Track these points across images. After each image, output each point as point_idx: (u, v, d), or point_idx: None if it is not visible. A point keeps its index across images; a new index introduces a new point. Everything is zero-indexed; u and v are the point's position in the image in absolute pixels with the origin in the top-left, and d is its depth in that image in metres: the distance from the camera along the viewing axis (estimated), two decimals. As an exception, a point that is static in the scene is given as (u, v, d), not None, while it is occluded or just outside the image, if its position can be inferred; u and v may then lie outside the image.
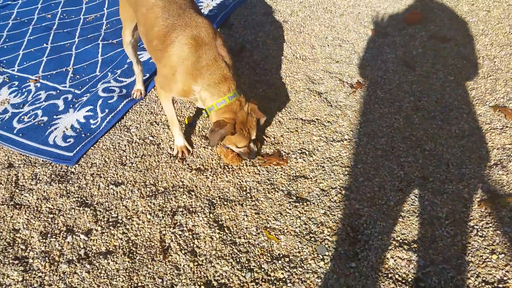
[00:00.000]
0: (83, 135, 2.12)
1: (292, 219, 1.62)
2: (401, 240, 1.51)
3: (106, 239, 1.61)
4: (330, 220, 1.60)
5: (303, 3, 3.02)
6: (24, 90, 2.49)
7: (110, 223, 1.67)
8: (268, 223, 1.62)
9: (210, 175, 1.84)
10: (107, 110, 2.23)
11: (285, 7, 2.99)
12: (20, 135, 2.17)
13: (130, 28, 2.07)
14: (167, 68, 1.69)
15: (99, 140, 2.08)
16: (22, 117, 2.29)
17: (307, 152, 1.88)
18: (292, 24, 2.81)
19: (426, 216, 1.57)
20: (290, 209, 1.65)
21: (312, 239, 1.54)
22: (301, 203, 1.67)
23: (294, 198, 1.70)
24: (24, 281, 1.49)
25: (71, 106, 2.31)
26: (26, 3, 3.44)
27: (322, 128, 1.99)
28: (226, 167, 1.87)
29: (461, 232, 1.51)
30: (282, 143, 1.95)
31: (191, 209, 1.69)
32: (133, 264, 1.52)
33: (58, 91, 2.44)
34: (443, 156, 1.78)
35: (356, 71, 2.35)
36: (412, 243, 1.49)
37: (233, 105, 1.65)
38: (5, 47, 2.91)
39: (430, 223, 1.55)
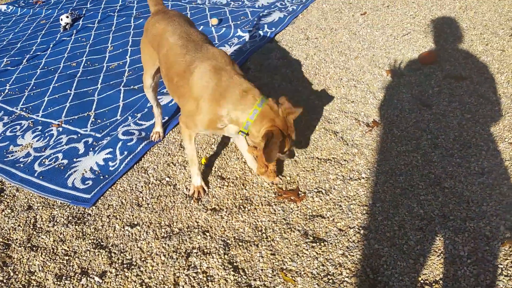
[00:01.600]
0: (101, 177, 2.15)
1: (309, 260, 1.56)
2: (422, 281, 1.43)
3: (120, 282, 1.58)
4: (349, 261, 1.54)
5: (318, 47, 3.10)
6: (46, 134, 2.58)
7: (125, 265, 1.65)
8: (284, 264, 1.57)
9: (225, 215, 1.82)
10: (126, 152, 2.27)
11: (301, 52, 3.07)
12: (41, 177, 2.22)
13: (151, 71, 2.15)
14: (190, 102, 1.69)
15: (117, 182, 2.11)
16: (43, 160, 2.35)
17: (323, 191, 1.85)
18: (307, 67, 2.87)
19: (448, 255, 1.50)
20: (307, 250, 1.60)
21: (330, 281, 1.48)
22: (318, 244, 1.62)
23: (311, 238, 1.65)
24: (36, 325, 1.46)
25: (91, 149, 2.37)
26: (54, 53, 3.65)
27: (339, 167, 1.97)
28: (241, 207, 1.85)
29: (485, 271, 1.43)
30: (298, 182, 1.93)
31: (205, 250, 1.66)
32: (145, 308, 1.47)
33: (79, 135, 2.52)
34: (463, 194, 1.72)
35: (372, 110, 2.35)
36: (434, 284, 1.41)
37: (266, 111, 1.60)
38: (32, 94, 3.05)
39: (452, 263, 1.47)
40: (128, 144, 2.33)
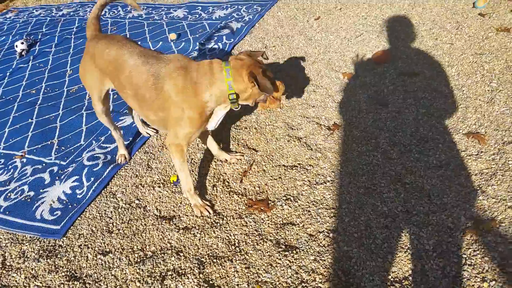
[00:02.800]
0: (69, 206, 2.13)
1: (283, 270, 1.60)
2: (392, 279, 1.49)
3: (96, 312, 1.57)
4: (321, 266, 1.59)
5: (276, 55, 3.16)
6: (10, 167, 2.52)
7: (100, 294, 1.64)
8: (259, 276, 1.60)
9: (197, 232, 1.83)
10: (92, 179, 2.25)
11: (260, 60, 3.12)
12: (7, 212, 2.17)
13: (99, 95, 2.10)
14: (173, 108, 1.73)
15: (86, 209, 2.09)
16: (9, 194, 2.30)
17: (292, 198, 1.90)
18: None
19: (414, 250, 1.57)
20: (280, 259, 1.64)
21: None
22: (290, 252, 1.66)
23: (283, 247, 1.69)
24: None
25: (57, 178, 2.34)
26: (12, 81, 3.56)
27: (305, 172, 2.03)
28: (213, 222, 1.87)
29: (450, 263, 1.51)
30: (267, 191, 1.97)
31: (180, 271, 1.67)
32: (124, 336, 1.47)
33: (44, 164, 2.47)
34: (424, 188, 1.81)
35: (332, 114, 2.42)
36: (403, 280, 1.48)
37: (236, 64, 1.70)
38: (-9, 126, 2.97)
39: (419, 257, 1.55)
40: (94, 169, 2.31)
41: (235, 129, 2.46)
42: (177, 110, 1.73)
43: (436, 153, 1.98)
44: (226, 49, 3.36)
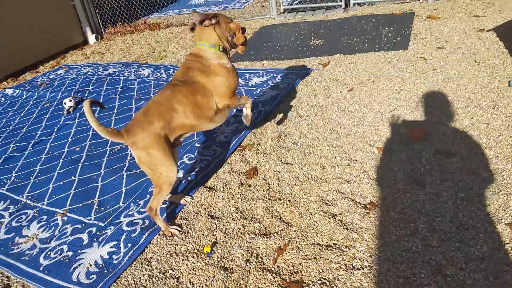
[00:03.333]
0: (105, 271, 2.17)
1: None
2: None
3: None
4: None
5: (310, 125, 3.25)
6: (52, 224, 2.62)
7: None
8: None
9: (231, 311, 1.82)
10: (129, 245, 2.31)
11: (294, 130, 3.22)
12: (46, 272, 2.24)
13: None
14: (212, 84, 2.42)
15: (121, 276, 2.12)
16: (49, 252, 2.38)
17: (327, 283, 1.87)
18: (301, 145, 3.00)
19: None
20: None
21: None
22: None
23: (318, 335, 1.65)
24: None
25: (95, 239, 2.41)
26: (58, 137, 3.78)
27: (341, 254, 2.01)
28: (247, 302, 1.85)
29: None
30: (301, 272, 1.96)
31: None
32: None
33: (83, 224, 2.56)
34: (466, 283, 1.75)
35: (368, 191, 2.43)
36: None
37: (199, 35, 2.47)
38: (37, 181, 3.13)
39: None
40: (132, 235, 2.37)
41: (269, 199, 2.50)
42: (214, 82, 2.39)
43: (478, 243, 1.93)
44: (260, 117, 3.49)
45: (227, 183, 2.73)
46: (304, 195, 2.49)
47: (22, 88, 5.37)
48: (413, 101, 3.32)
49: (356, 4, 6.37)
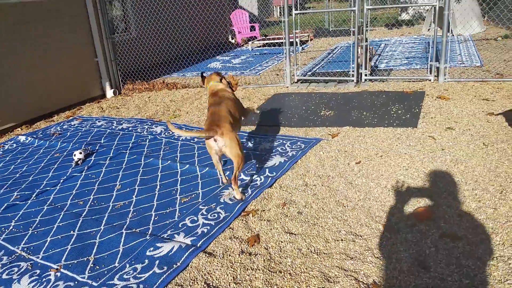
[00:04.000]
0: (92, 337, 2.06)
1: None
2: None
3: None
4: None
5: (316, 195, 3.23)
6: (44, 279, 2.55)
7: None
8: None
9: None
10: (120, 308, 2.22)
11: (300, 199, 3.20)
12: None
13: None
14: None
15: None
16: (36, 311, 2.28)
17: None
18: (306, 215, 2.96)
19: None
20: None
21: None
22: None
23: None
24: None
25: (85, 300, 2.32)
26: (63, 189, 3.80)
27: None
28: None
29: None
30: None
31: None
32: None
33: (76, 282, 2.48)
34: None
35: (371, 270, 2.35)
36: None
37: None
38: (35, 232, 3.09)
39: None
40: (124, 299, 2.29)
41: (269, 271, 2.42)
42: (235, 97, 3.81)
43: (486, 339, 1.82)
44: (267, 182, 3.49)
45: (227, 250, 2.67)
46: (306, 269, 2.41)
47: (34, 136, 5.50)
48: (421, 179, 3.31)
49: (367, 80, 6.61)
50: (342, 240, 2.65)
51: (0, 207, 3.53)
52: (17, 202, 3.60)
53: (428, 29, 11.33)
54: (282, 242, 2.69)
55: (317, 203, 3.13)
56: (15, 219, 3.33)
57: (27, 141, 5.39)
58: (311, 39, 12.92)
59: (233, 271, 2.46)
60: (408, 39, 11.12)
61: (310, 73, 7.76)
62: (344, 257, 2.48)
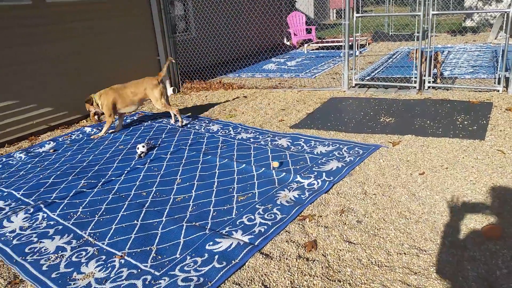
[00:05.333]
0: (155, 324, 2.14)
1: None
2: None
3: None
4: None
5: (377, 204, 3.14)
6: (109, 265, 2.68)
7: None
8: None
9: None
10: (181, 300, 2.28)
11: (359, 207, 3.13)
12: (96, 314, 2.25)
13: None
14: None
15: (169, 333, 2.08)
16: (102, 294, 2.41)
17: None
18: (366, 225, 2.89)
19: None
20: None
21: None
22: None
23: None
24: None
25: (148, 289, 2.41)
26: (127, 179, 3.98)
27: None
28: None
29: None
30: None
31: None
32: None
33: (139, 270, 2.59)
34: None
35: (436, 287, 2.25)
36: None
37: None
38: (101, 219, 3.26)
39: None
40: (185, 291, 2.35)
41: (328, 279, 2.38)
42: None
43: None
44: (324, 187, 3.45)
45: (284, 253, 2.67)
46: (366, 280, 2.35)
47: (99, 128, 5.81)
48: (490, 195, 3.12)
49: (430, 87, 6.35)
50: (405, 253, 2.56)
51: (69, 193, 3.76)
52: (84, 190, 3.82)
53: (496, 37, 10.68)
54: (340, 250, 2.65)
55: (377, 213, 3.04)
56: (83, 205, 3.53)
57: (93, 132, 5.70)
58: (369, 43, 12.62)
59: (291, 275, 2.45)
60: (473, 46, 10.55)
61: (368, 77, 7.58)
62: (407, 272, 2.39)
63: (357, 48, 10.74)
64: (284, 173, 3.79)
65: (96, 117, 5.46)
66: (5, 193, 3.90)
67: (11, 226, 3.27)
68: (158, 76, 5.44)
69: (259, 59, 11.32)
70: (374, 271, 2.43)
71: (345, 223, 2.94)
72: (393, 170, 3.71)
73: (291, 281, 2.40)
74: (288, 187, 3.54)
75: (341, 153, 4.18)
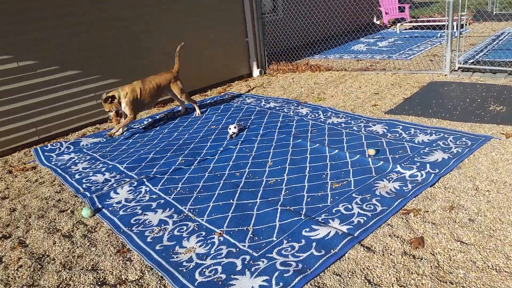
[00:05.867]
0: (256, 306, 2.16)
1: None
2: None
3: None
4: None
5: (491, 202, 2.84)
6: (209, 241, 2.76)
7: None
8: None
9: None
10: (281, 284, 2.27)
11: (470, 204, 2.85)
12: (199, 289, 2.33)
13: None
14: None
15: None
16: (204, 270, 2.48)
17: None
18: (480, 224, 2.62)
19: None
20: None
21: None
22: None
23: None
24: None
25: (247, 268, 2.43)
26: (221, 159, 4.07)
27: None
28: None
29: None
30: None
31: None
32: None
33: (237, 249, 2.63)
34: None
35: None
36: None
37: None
38: (199, 196, 3.37)
39: None
40: (285, 275, 2.33)
41: (438, 280, 2.20)
42: None
43: None
44: (429, 180, 3.19)
45: (387, 248, 2.52)
46: (483, 285, 2.13)
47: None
48: None
49: (550, 72, 5.58)
50: (529, 260, 2.27)
51: (169, 169, 3.94)
52: (182, 167, 3.98)
53: None
54: (451, 250, 2.43)
55: (492, 211, 2.74)
56: (182, 181, 3.68)
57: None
58: (469, 23, 11.46)
59: (396, 272, 2.31)
60: None
61: (472, 60, 6.88)
62: (533, 281, 2.12)
63: (459, 29, 9.79)
64: (381, 162, 3.58)
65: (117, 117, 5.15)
66: (110, 166, 4.21)
67: (117, 198, 3.52)
68: (173, 70, 5.55)
69: (347, 39, 10.87)
70: (492, 276, 2.19)
71: (455, 221, 2.69)
72: (508, 165, 3.31)
73: (397, 278, 2.26)
74: (387, 177, 3.34)
75: (446, 143, 3.84)
